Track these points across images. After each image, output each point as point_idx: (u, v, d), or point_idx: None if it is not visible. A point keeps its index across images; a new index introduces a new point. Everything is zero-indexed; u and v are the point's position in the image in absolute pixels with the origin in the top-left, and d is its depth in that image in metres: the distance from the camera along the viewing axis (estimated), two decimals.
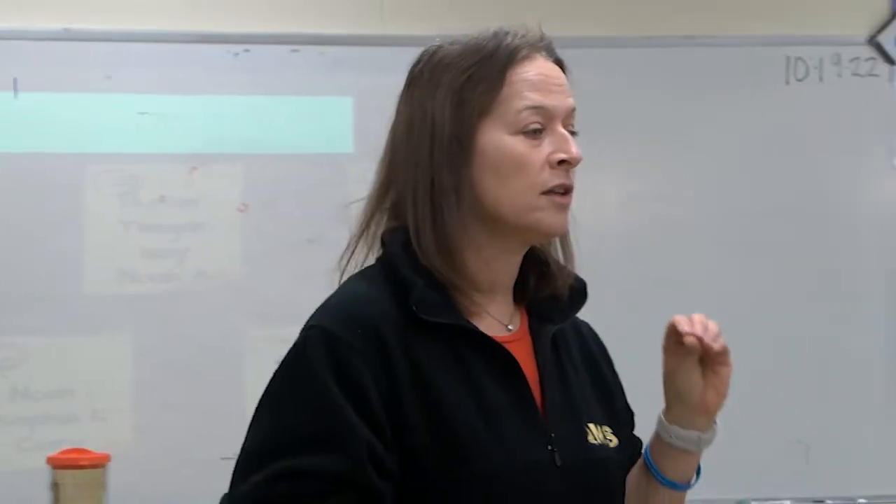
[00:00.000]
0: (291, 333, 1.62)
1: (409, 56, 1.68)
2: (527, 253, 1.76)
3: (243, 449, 1.61)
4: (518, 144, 1.66)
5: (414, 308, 1.63)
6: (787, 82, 3.51)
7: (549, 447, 1.65)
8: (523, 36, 1.71)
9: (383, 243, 1.71)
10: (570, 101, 1.71)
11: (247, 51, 3.45)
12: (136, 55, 3.40)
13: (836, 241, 3.57)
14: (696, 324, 1.67)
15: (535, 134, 1.66)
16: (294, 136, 3.46)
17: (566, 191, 1.68)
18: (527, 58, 1.69)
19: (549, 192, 1.67)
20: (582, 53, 3.21)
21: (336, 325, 1.62)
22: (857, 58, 3.51)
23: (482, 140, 1.66)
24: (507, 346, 1.68)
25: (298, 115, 3.47)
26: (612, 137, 3.46)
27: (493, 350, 1.67)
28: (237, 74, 3.44)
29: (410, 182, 1.68)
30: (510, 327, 1.73)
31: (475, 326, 1.67)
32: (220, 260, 3.43)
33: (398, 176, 1.70)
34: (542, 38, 1.73)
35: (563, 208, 1.69)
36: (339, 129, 3.46)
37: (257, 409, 1.63)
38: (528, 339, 1.74)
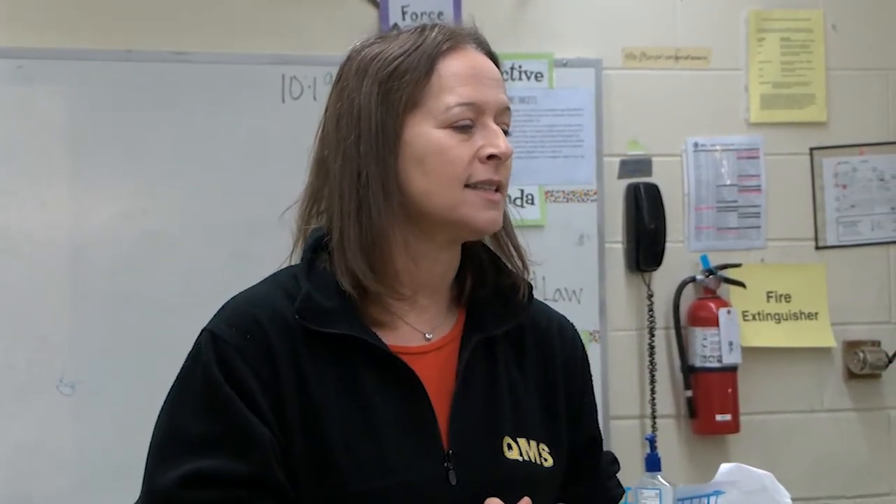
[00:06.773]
0: None
1: None
2: (468, 251, 1.70)
3: (150, 448, 1.59)
4: (445, 138, 1.61)
5: (297, 316, 1.58)
6: (283, 100, 3.57)
7: (445, 464, 1.58)
8: (451, 28, 1.67)
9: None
10: (503, 98, 1.66)
11: None
12: None
13: None
14: None
15: (464, 129, 1.62)
16: None
17: (496, 188, 1.63)
18: (455, 49, 1.64)
19: (475, 186, 1.61)
20: (63, 66, 3.41)
21: (225, 329, 1.59)
22: None
23: (410, 132, 1.62)
24: (419, 356, 1.62)
25: None
26: (99, 154, 3.47)
27: (387, 361, 1.59)
28: None
29: (338, 176, 1.63)
30: (429, 336, 1.66)
31: (370, 336, 1.60)
32: None
33: (329, 172, 1.65)
34: (473, 30, 1.69)
35: (494, 205, 1.63)
36: None
37: (160, 412, 1.61)
38: (455, 347, 1.66)
